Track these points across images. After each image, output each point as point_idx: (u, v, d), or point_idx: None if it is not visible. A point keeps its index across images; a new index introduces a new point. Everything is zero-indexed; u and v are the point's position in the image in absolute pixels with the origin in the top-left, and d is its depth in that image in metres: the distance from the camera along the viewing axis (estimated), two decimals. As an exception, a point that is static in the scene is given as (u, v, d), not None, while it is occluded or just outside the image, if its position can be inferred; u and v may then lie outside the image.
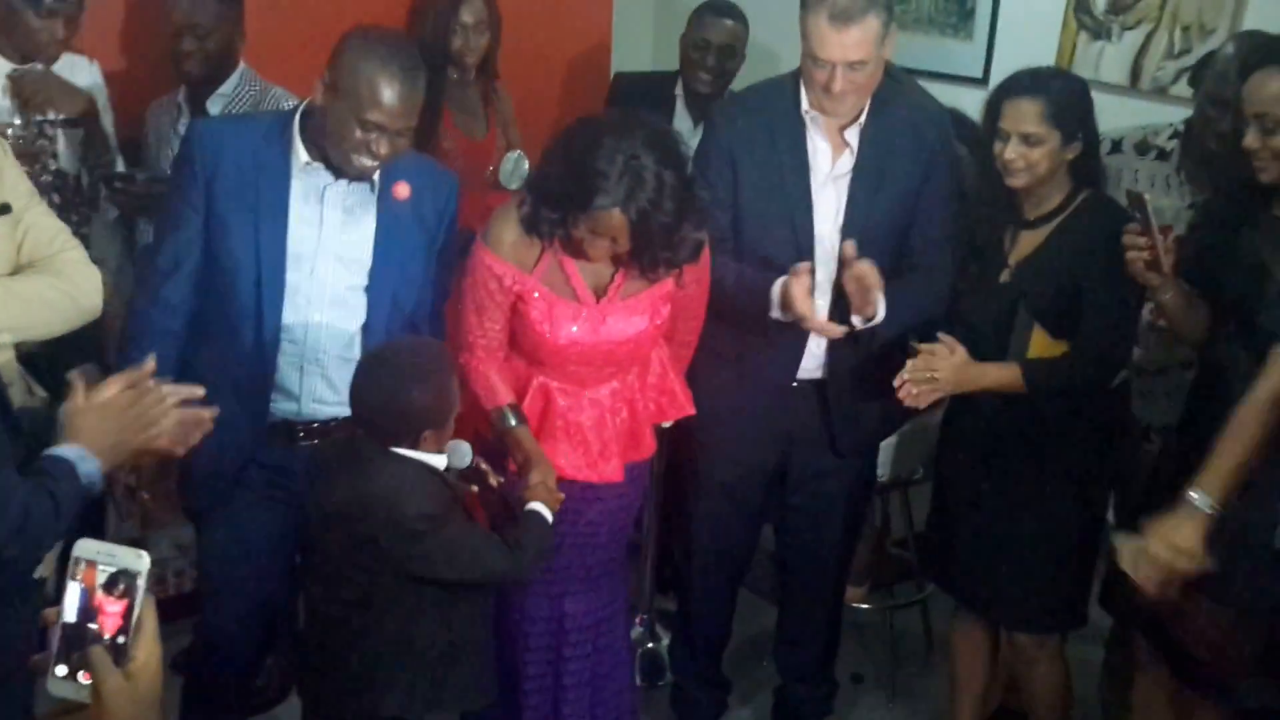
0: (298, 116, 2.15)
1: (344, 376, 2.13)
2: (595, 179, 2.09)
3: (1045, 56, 3.67)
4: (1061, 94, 2.29)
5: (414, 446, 2.00)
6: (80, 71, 2.71)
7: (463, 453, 2.08)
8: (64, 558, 1.10)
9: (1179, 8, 3.33)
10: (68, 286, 1.97)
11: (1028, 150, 2.27)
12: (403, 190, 2.19)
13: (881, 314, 2.37)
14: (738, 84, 3.31)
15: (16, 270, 1.96)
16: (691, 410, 2.48)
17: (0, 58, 2.52)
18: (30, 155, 2.51)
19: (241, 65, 2.82)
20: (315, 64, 3.13)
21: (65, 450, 1.58)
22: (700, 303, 2.45)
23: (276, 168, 2.12)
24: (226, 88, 2.77)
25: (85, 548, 1.08)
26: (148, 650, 1.08)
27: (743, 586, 2.97)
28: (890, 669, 3.16)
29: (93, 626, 1.07)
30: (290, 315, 2.15)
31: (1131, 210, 2.21)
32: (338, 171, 2.13)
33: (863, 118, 2.43)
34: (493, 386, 2.30)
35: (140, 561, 1.08)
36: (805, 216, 2.46)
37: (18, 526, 1.51)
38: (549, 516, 2.13)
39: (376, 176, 2.16)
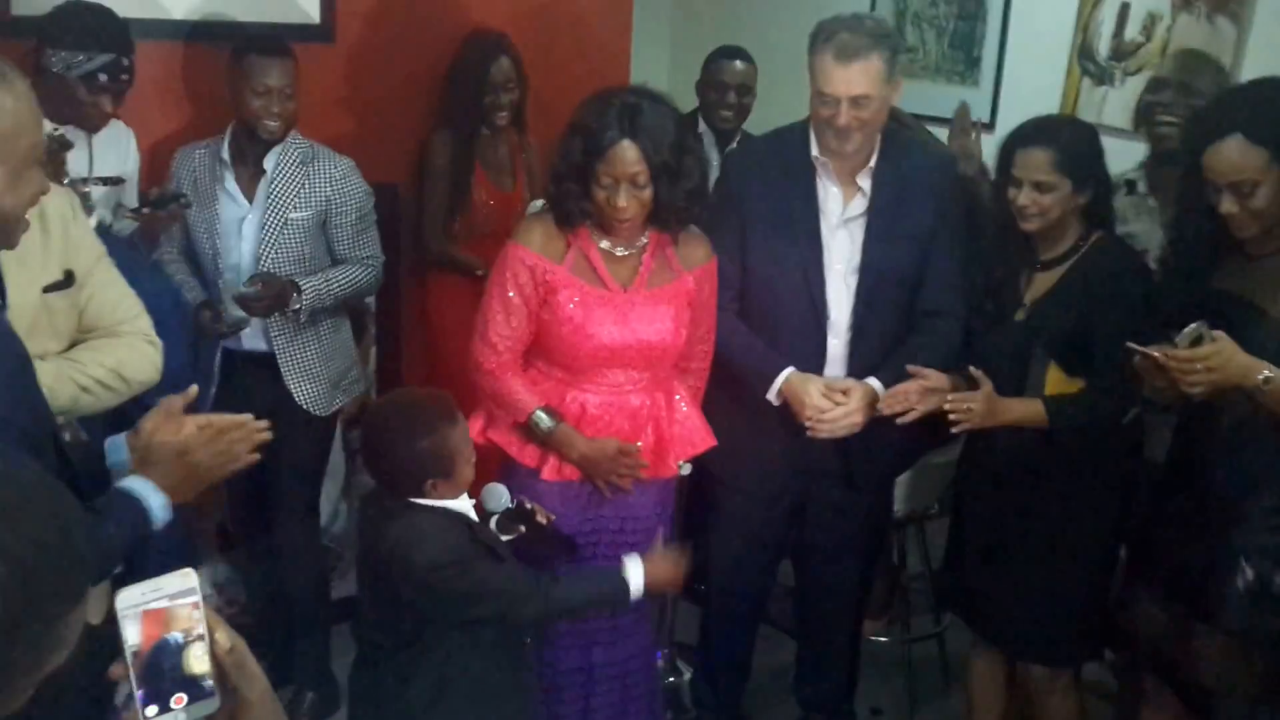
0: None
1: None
2: (598, 124, 2.22)
3: (1050, 102, 3.77)
4: (1071, 143, 2.34)
5: (423, 496, 2.01)
6: (118, 137, 2.80)
7: (498, 495, 2.11)
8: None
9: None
10: (125, 367, 1.92)
11: (1040, 197, 2.32)
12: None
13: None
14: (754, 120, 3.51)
15: (78, 338, 1.93)
16: (713, 442, 2.53)
17: (53, 121, 2.57)
18: None
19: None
20: (358, 122, 3.26)
21: (135, 484, 1.58)
22: (710, 322, 2.51)
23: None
24: (269, 163, 2.81)
25: (127, 596, 1.02)
26: (251, 669, 1.03)
27: (763, 621, 3.01)
28: (908, 702, 3.19)
29: (158, 655, 1.01)
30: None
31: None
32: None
33: (873, 161, 2.50)
34: (518, 394, 2.35)
35: (188, 580, 1.02)
36: (816, 261, 2.52)
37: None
38: (634, 583, 2.10)
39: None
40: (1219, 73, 2.75)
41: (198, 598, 1.02)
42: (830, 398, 2.48)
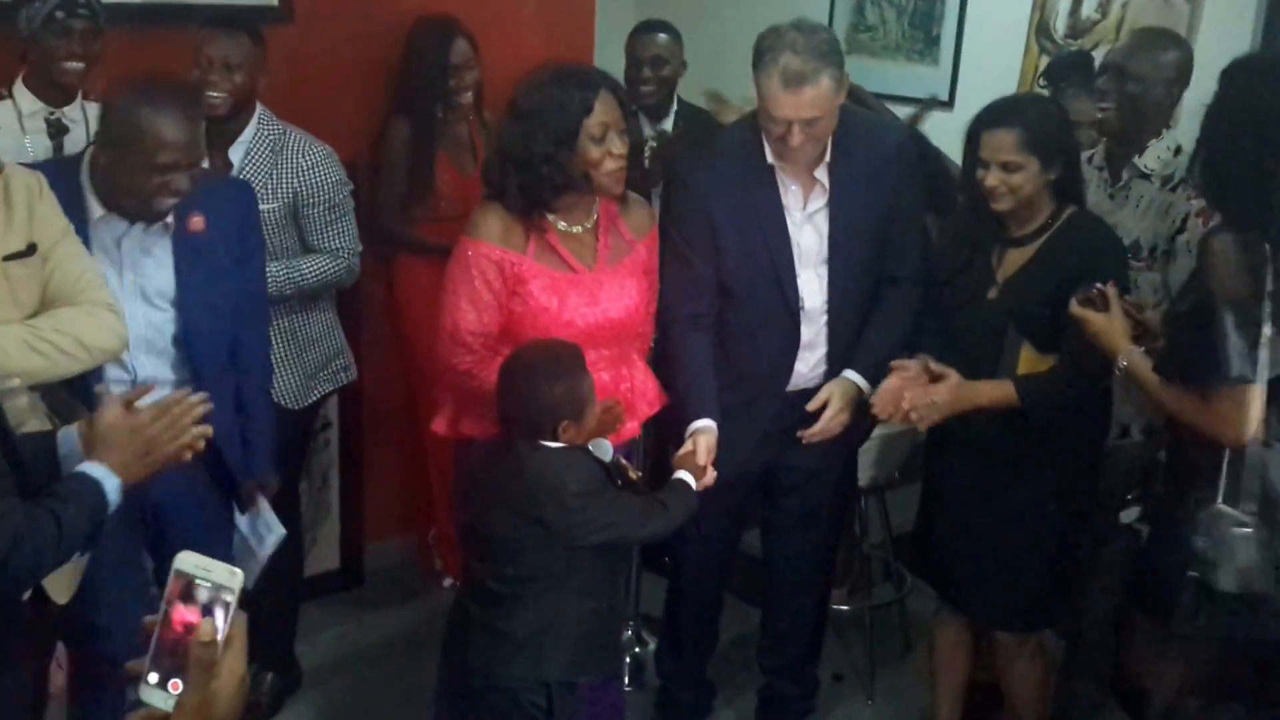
0: (86, 166, 2.20)
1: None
2: (568, 91, 2.26)
3: (1008, 79, 3.82)
4: (1036, 121, 2.35)
5: (554, 438, 2.17)
6: None
7: (605, 449, 2.26)
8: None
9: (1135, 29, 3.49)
10: (84, 334, 1.97)
11: (1008, 177, 2.33)
12: (197, 222, 2.27)
13: (868, 388, 2.55)
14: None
15: (41, 307, 1.97)
16: (666, 400, 2.57)
17: (39, 101, 2.57)
18: None
19: (259, 107, 2.85)
20: (317, 101, 3.26)
21: (90, 468, 1.62)
22: (657, 286, 2.54)
23: (72, 220, 2.12)
24: (247, 134, 2.79)
25: (184, 560, 1.08)
26: (229, 669, 1.07)
27: (728, 590, 3.05)
28: (869, 668, 3.25)
29: (184, 638, 1.07)
30: (114, 362, 2.18)
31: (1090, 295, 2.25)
32: (134, 217, 2.20)
33: (828, 155, 2.51)
34: None
35: (234, 579, 1.08)
36: (786, 256, 2.54)
37: (3, 553, 1.52)
38: (693, 484, 2.34)
39: (171, 217, 2.22)
40: (1177, 48, 2.75)
41: (234, 599, 1.08)
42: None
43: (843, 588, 3.39)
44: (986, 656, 2.81)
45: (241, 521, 2.54)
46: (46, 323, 1.95)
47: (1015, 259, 2.44)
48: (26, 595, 1.77)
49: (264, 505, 2.55)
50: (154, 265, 2.26)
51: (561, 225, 2.38)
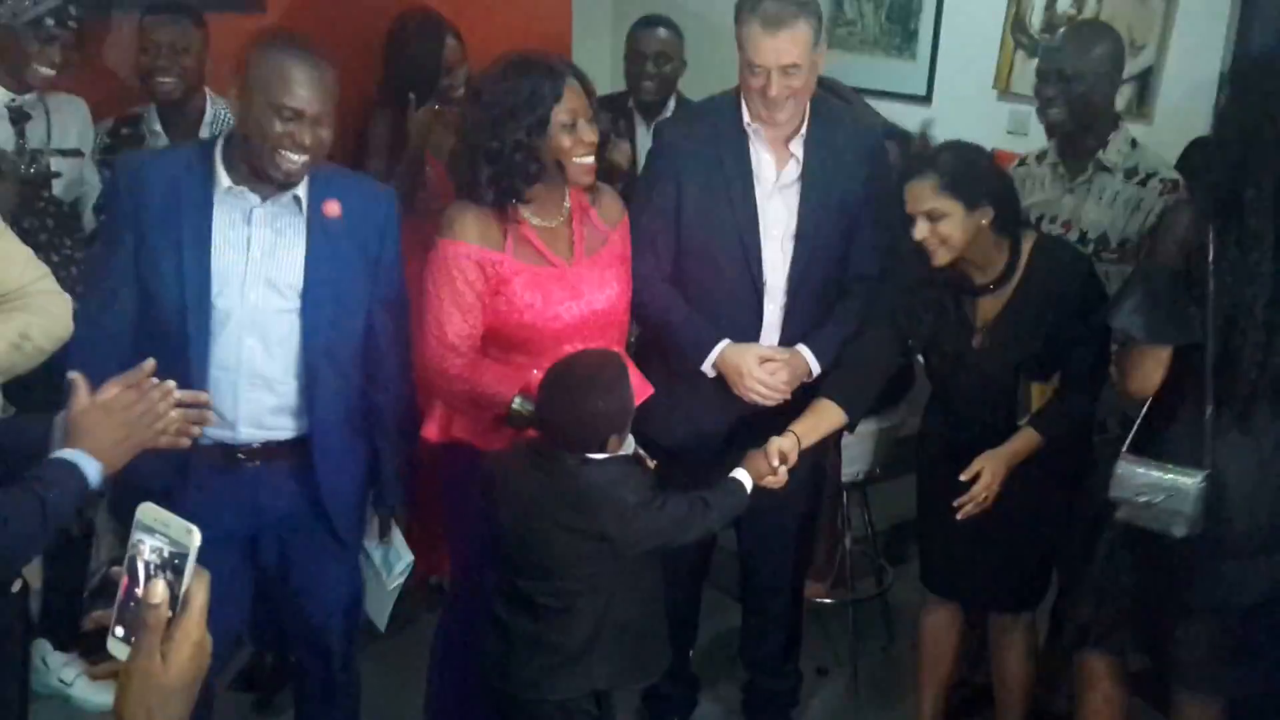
0: (220, 143, 2.13)
1: (285, 400, 2.17)
2: (535, 80, 2.24)
3: (984, 74, 3.85)
4: (950, 165, 2.32)
5: (602, 451, 2.13)
6: (72, 109, 2.78)
7: (629, 443, 2.22)
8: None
9: (1110, 24, 3.52)
10: (43, 320, 1.99)
11: (935, 226, 2.31)
12: (333, 208, 2.15)
13: (816, 369, 2.56)
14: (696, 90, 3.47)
15: None
16: (650, 389, 2.55)
17: (1, 88, 2.58)
18: (27, 182, 2.57)
19: (210, 94, 2.90)
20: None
21: (68, 454, 1.61)
22: (630, 275, 2.53)
23: (198, 195, 2.08)
24: (208, 116, 2.85)
25: (145, 512, 1.05)
26: (185, 632, 1.03)
27: (709, 585, 3.06)
28: (852, 661, 3.26)
29: (141, 593, 1.03)
30: (222, 341, 2.11)
31: None
32: (264, 193, 2.11)
33: (804, 129, 2.54)
34: (493, 388, 2.32)
35: (189, 538, 1.04)
36: (752, 227, 2.55)
37: None
38: (748, 484, 2.32)
39: (304, 194, 2.13)
40: (1109, 38, 2.81)
41: (191, 558, 1.04)
42: (764, 366, 2.53)
43: (825, 581, 3.41)
44: (975, 655, 2.85)
45: (374, 552, 2.46)
46: (21, 320, 1.97)
47: (991, 305, 2.44)
48: (17, 587, 1.75)
49: (396, 535, 2.46)
50: (284, 247, 2.13)
51: (536, 220, 2.36)
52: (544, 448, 2.16)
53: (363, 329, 2.24)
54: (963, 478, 2.40)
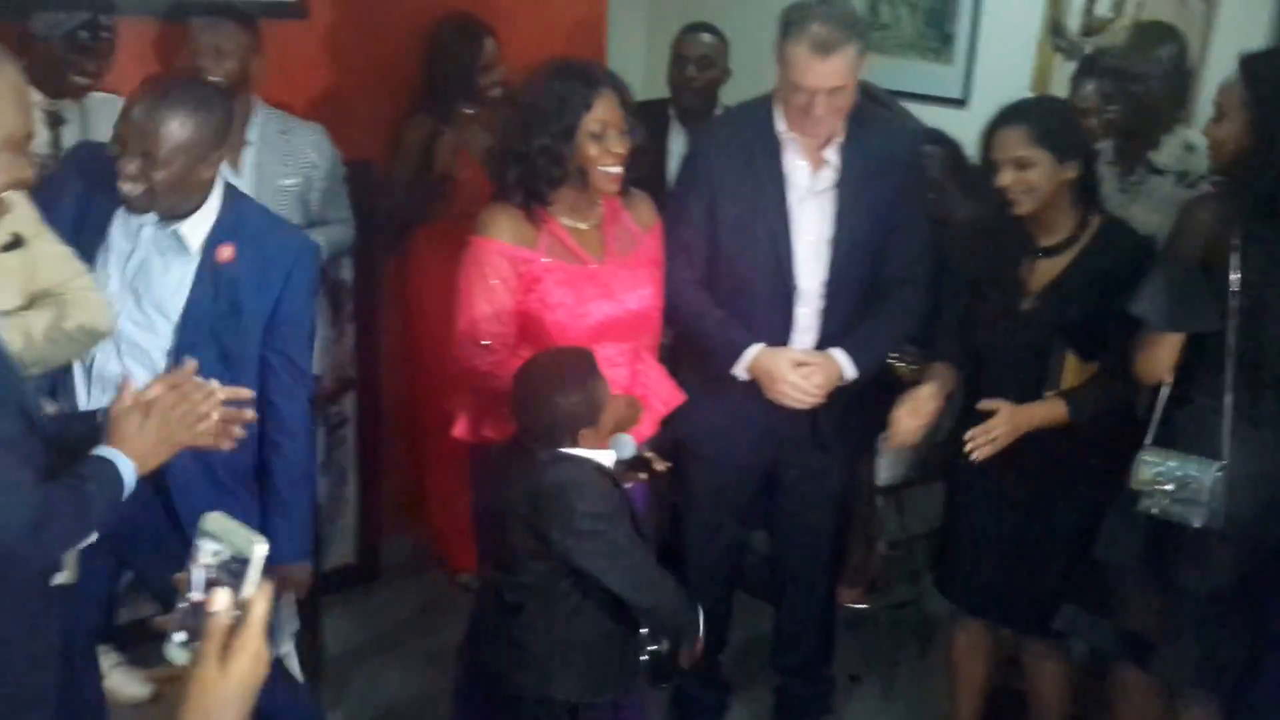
0: None
1: None
2: (570, 85, 2.25)
3: (1021, 78, 3.81)
4: (1043, 116, 2.38)
5: (575, 445, 2.14)
6: (109, 109, 2.79)
7: (625, 444, 2.23)
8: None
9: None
10: (83, 317, 2.01)
11: (1022, 174, 2.33)
12: (225, 252, 2.10)
13: (850, 374, 2.54)
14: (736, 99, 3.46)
15: (30, 299, 2.01)
16: (683, 397, 2.57)
17: (38, 93, 2.60)
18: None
19: (258, 103, 2.91)
20: (332, 98, 3.27)
21: (105, 451, 1.64)
22: (663, 280, 2.54)
23: (112, 199, 2.08)
24: (255, 116, 2.88)
25: (210, 521, 1.06)
26: (244, 642, 1.03)
27: (742, 589, 3.05)
28: (887, 668, 3.24)
29: (205, 600, 1.04)
30: (100, 356, 2.12)
31: None
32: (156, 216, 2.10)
33: (840, 136, 2.52)
34: None
35: (251, 548, 1.04)
36: (785, 232, 2.55)
37: (33, 526, 1.53)
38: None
39: (190, 234, 2.09)
40: (1173, 41, 2.81)
41: (255, 568, 1.05)
42: (798, 370, 2.52)
43: (859, 587, 3.38)
44: (1010, 660, 2.81)
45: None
46: (55, 312, 2.00)
47: (1048, 269, 2.43)
48: (62, 578, 1.76)
49: (287, 599, 2.37)
50: (160, 271, 2.11)
51: (568, 221, 2.38)
52: (523, 441, 2.19)
53: (255, 381, 2.12)
54: (979, 407, 2.40)
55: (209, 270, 2.11)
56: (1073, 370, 2.42)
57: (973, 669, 2.79)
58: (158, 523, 2.13)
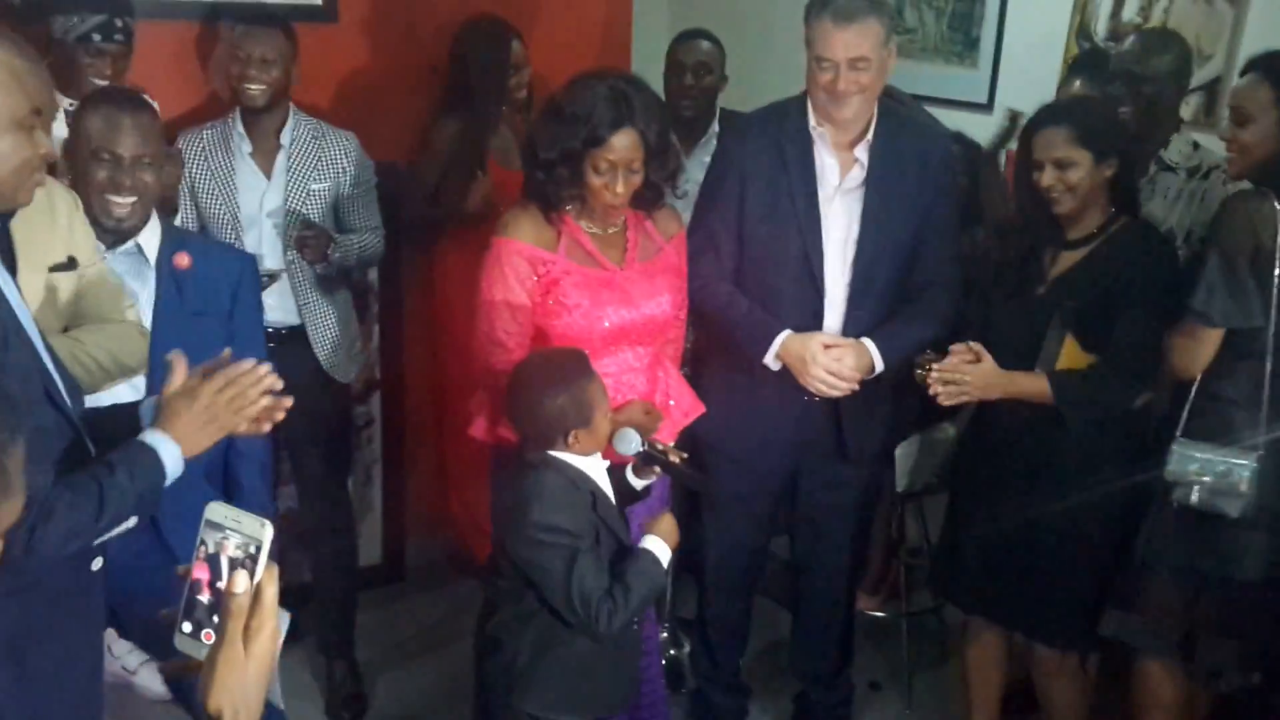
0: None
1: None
2: (593, 112, 2.24)
3: (1048, 83, 3.79)
4: (1086, 117, 2.41)
5: (567, 448, 2.11)
6: None
7: (629, 439, 2.18)
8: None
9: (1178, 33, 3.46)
10: (117, 348, 2.01)
11: (1063, 174, 2.36)
12: (183, 259, 2.16)
13: (880, 365, 2.52)
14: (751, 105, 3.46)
15: (71, 321, 2.01)
16: (702, 408, 2.57)
17: (58, 93, 2.64)
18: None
19: (291, 108, 2.94)
20: (361, 101, 3.27)
21: (149, 435, 1.63)
22: (686, 290, 2.55)
23: None
24: (290, 123, 2.91)
25: (215, 511, 1.08)
26: (260, 621, 1.07)
27: (762, 594, 3.05)
28: (906, 675, 3.23)
29: (218, 589, 1.07)
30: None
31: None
32: (108, 242, 2.13)
33: (870, 135, 2.53)
34: None
35: (263, 531, 1.08)
36: (814, 230, 2.54)
37: (35, 521, 1.52)
38: (664, 559, 2.12)
39: (149, 244, 2.15)
40: (1179, 46, 2.84)
41: (265, 551, 1.08)
42: (829, 353, 2.51)
43: (879, 594, 3.38)
44: (1022, 657, 2.79)
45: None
46: (88, 338, 1.99)
47: (1067, 259, 2.45)
48: (98, 565, 1.75)
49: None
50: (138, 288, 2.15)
51: (588, 225, 2.39)
52: (519, 447, 2.18)
53: None
54: (954, 348, 2.43)
55: (170, 277, 2.17)
56: (1070, 357, 2.42)
57: (987, 678, 2.78)
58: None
